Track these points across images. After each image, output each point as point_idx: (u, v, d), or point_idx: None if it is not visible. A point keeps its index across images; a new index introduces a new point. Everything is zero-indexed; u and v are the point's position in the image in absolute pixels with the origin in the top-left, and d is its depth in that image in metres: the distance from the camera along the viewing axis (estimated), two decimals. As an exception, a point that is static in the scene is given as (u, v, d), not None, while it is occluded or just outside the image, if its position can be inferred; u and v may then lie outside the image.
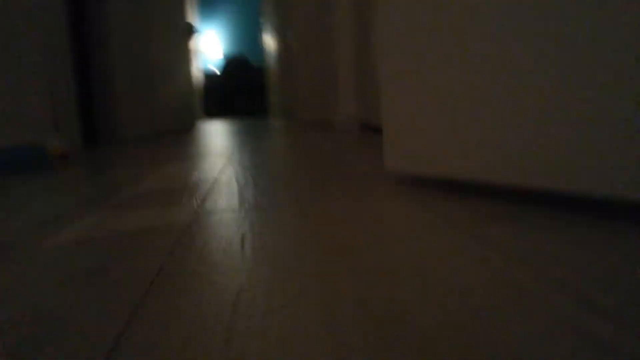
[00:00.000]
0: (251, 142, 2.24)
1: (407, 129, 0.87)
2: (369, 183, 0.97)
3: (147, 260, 0.55)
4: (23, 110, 2.11)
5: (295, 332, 0.36)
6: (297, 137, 2.38)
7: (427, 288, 0.43)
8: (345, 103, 2.67)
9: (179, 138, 2.94)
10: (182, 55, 3.98)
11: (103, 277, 0.50)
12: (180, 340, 0.36)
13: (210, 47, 7.64)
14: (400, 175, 1.01)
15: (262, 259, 0.53)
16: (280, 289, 0.44)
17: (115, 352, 0.35)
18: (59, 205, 0.93)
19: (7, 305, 0.44)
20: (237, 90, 3.69)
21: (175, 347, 0.35)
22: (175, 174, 1.28)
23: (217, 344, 0.35)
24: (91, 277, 0.50)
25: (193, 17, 4.70)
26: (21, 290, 0.48)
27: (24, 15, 2.18)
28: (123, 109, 3.14)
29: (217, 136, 2.90)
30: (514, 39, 0.68)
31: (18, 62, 2.10)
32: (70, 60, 2.63)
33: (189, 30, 3.50)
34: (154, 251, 0.59)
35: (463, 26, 0.74)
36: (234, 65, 3.75)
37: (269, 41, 5.54)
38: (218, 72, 3.64)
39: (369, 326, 0.36)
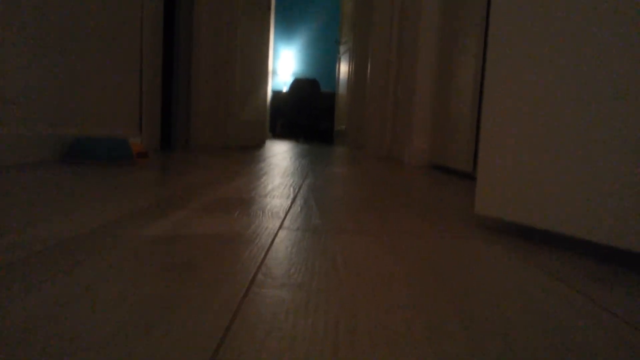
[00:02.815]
0: (322, 170, 2.25)
1: (506, 173, 0.83)
2: (456, 225, 0.93)
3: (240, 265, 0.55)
4: (115, 105, 2.24)
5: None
6: (368, 169, 2.37)
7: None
8: (418, 140, 2.64)
9: (251, 153, 3.01)
10: (262, 74, 4.12)
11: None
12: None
13: (284, 67, 7.88)
14: (489, 221, 0.97)
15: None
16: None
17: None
18: (145, 200, 0.96)
19: (112, 287, 0.45)
20: (304, 112, 3.76)
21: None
22: (247, 187, 1.30)
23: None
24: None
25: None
26: (123, 277, 0.48)
27: (131, 17, 2.34)
28: (199, 119, 3.27)
29: (284, 158, 2.95)
30: (632, 84, 0.63)
31: (117, 57, 2.24)
32: (160, 65, 2.78)
33: None
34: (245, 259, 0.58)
35: (584, 70, 0.71)
36: (303, 86, 3.83)
37: (343, 68, 5.63)
38: (286, 92, 3.73)
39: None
